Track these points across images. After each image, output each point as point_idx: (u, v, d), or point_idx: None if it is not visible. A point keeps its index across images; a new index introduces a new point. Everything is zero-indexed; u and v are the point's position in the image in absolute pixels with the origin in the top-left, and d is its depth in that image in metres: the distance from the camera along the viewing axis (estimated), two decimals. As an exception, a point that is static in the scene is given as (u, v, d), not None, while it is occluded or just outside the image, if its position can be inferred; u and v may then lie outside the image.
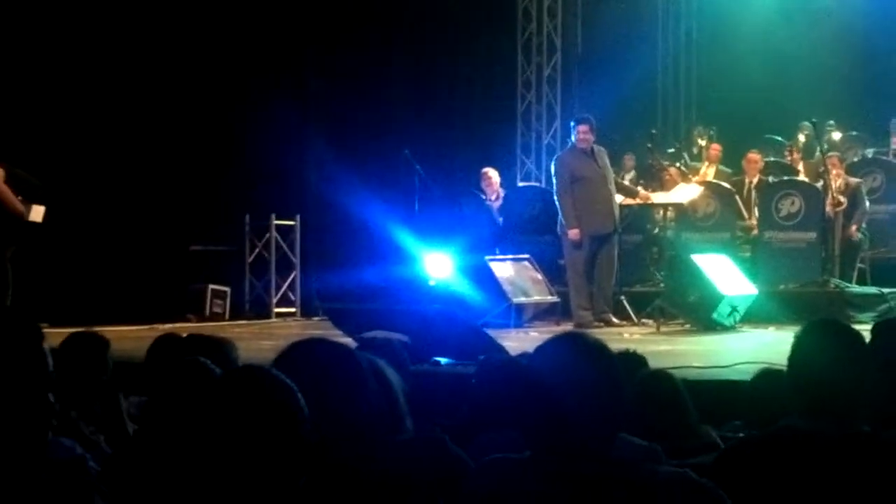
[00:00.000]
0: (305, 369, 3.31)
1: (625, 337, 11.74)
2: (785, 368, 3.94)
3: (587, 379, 3.25)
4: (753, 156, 15.36)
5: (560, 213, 13.28)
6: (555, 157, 13.98)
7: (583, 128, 13.30)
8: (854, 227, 14.27)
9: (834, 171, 14.26)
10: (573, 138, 13.42)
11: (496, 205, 15.69)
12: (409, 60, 17.66)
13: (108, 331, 11.24)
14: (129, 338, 9.74)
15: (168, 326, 12.31)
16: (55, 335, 6.01)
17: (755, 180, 15.10)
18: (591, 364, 3.28)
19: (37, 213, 12.56)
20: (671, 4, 20.51)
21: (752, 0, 18.70)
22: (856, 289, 13.84)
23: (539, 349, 3.35)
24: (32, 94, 14.22)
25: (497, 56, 18.78)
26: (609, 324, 13.04)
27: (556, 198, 13.40)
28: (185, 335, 5.82)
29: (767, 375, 5.07)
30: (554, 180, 13.47)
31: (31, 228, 12.57)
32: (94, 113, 14.69)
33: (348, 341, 7.06)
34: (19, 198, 12.45)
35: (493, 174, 15.97)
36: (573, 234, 13.13)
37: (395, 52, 17.58)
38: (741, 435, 4.66)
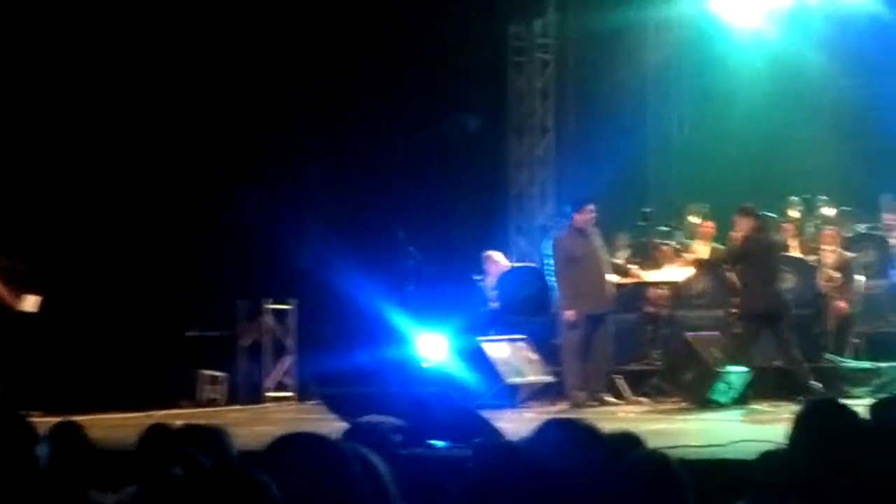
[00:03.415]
0: (291, 465, 3.37)
1: (619, 416, 11.68)
2: (783, 447, 3.92)
3: (580, 465, 3.23)
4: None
5: (557, 294, 13.29)
6: (550, 239, 13.94)
7: (591, 207, 13.38)
8: (843, 304, 14.27)
9: (829, 247, 14.28)
10: (575, 218, 13.39)
11: (490, 285, 15.66)
12: (401, 142, 17.71)
13: (102, 418, 11.27)
14: (124, 425, 9.68)
15: (162, 413, 12.26)
16: (47, 423, 6.00)
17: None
18: (583, 449, 3.26)
19: (31, 303, 12.52)
20: (661, 84, 20.61)
21: (742, 78, 18.78)
22: (850, 364, 13.82)
23: (534, 436, 3.34)
24: (23, 175, 14.23)
25: (489, 137, 18.84)
26: (604, 403, 13.00)
27: (552, 278, 13.39)
28: (178, 424, 5.77)
29: (768, 456, 5.03)
30: (550, 261, 13.47)
31: (23, 318, 12.53)
32: (85, 196, 14.71)
33: (344, 426, 7.02)
34: (11, 286, 12.41)
35: (496, 256, 15.94)
36: (569, 314, 13.13)
37: (389, 135, 17.64)
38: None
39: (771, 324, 12.98)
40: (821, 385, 12.53)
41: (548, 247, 13.73)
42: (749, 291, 13.25)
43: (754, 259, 13.21)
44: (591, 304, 13.16)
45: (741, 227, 13.46)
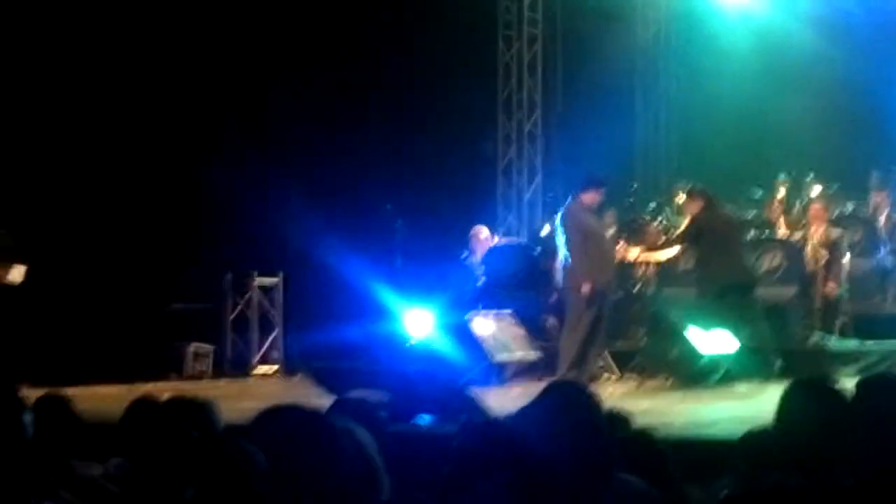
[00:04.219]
0: (278, 437, 3.39)
1: (606, 394, 11.69)
2: (769, 427, 3.93)
3: (570, 427, 3.25)
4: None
5: (571, 268, 13.14)
6: (565, 212, 13.45)
7: (604, 190, 13.31)
8: (832, 284, 14.29)
9: (814, 226, 14.28)
10: (586, 196, 13.26)
11: (478, 261, 15.65)
12: (389, 116, 17.70)
13: (88, 391, 11.26)
14: (110, 397, 9.68)
15: (149, 385, 12.25)
16: (34, 394, 5.99)
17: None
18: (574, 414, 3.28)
19: (16, 272, 12.46)
20: (650, 61, 20.61)
21: (730, 55, 18.78)
22: (837, 343, 13.84)
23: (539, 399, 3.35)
24: (7, 149, 14.19)
25: (478, 112, 18.82)
26: (596, 379, 13.02)
27: (565, 252, 13.16)
28: (164, 397, 5.77)
29: (753, 435, 5.05)
30: (566, 235, 13.19)
31: (9, 290, 12.48)
32: (71, 169, 14.69)
33: (330, 400, 7.02)
34: None
35: (482, 233, 15.87)
36: (587, 288, 12.97)
37: (376, 109, 17.62)
38: (726, 492, 4.63)
39: (739, 296, 13.01)
40: (779, 362, 12.55)
41: (562, 219, 13.43)
42: (708, 268, 13.29)
43: (708, 236, 13.25)
44: (604, 280, 13.11)
45: (690, 209, 13.54)
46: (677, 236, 14.06)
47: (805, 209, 15.41)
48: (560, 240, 13.26)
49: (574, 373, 12.91)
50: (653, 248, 14.66)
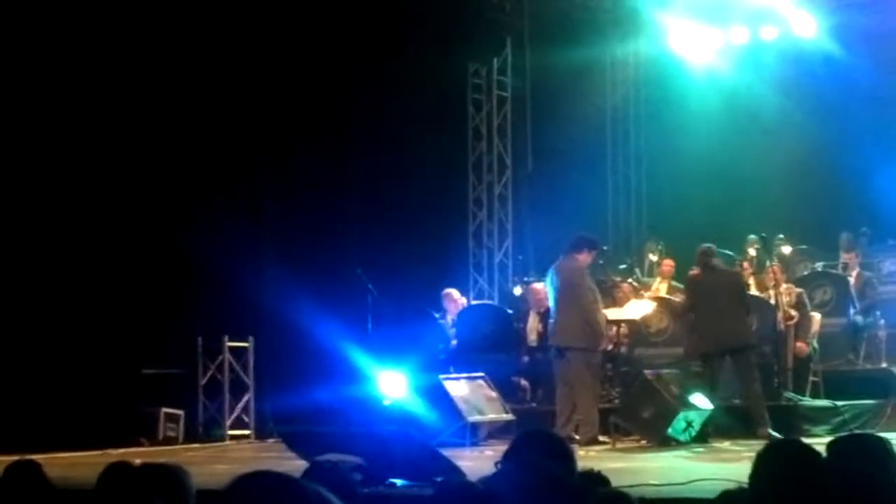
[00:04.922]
0: (250, 503, 3.33)
1: (579, 454, 11.66)
2: (743, 487, 3.94)
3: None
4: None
5: (577, 326, 13.10)
6: (566, 270, 13.42)
7: (595, 252, 13.57)
8: (801, 343, 14.35)
9: (783, 286, 14.36)
10: (583, 257, 13.36)
11: (450, 323, 15.67)
12: (361, 180, 17.72)
13: (60, 457, 11.19)
14: (82, 464, 9.62)
15: (121, 451, 12.19)
16: (4, 461, 5.96)
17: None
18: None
19: None
20: (619, 123, 20.75)
21: (699, 115, 18.93)
22: (809, 402, 13.89)
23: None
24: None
25: (448, 174, 18.89)
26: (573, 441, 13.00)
27: (583, 310, 13.12)
28: (137, 463, 5.73)
29: (729, 495, 5.05)
30: (571, 292, 13.21)
31: None
32: (43, 231, 14.63)
33: (302, 464, 6.99)
34: None
35: (455, 293, 15.96)
36: (606, 344, 13.35)
37: (348, 172, 17.64)
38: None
39: (732, 358, 13.08)
40: (770, 427, 12.55)
41: (563, 277, 13.41)
42: (699, 331, 13.40)
43: (700, 299, 13.36)
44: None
45: (691, 271, 13.84)
46: (681, 303, 14.26)
47: (770, 267, 15.51)
48: (565, 298, 13.26)
49: (592, 431, 12.85)
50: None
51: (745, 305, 13.45)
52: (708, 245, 13.68)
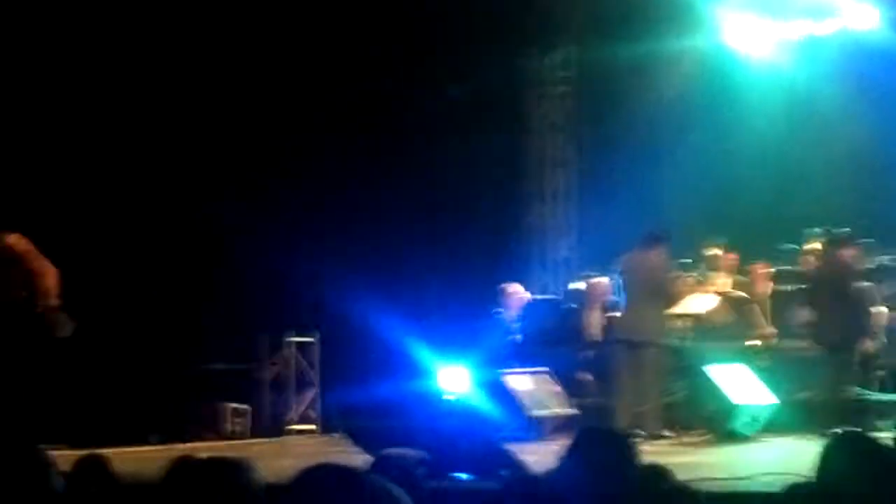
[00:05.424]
0: (318, 496, 3.39)
1: (644, 449, 11.62)
2: (811, 480, 3.92)
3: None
4: (755, 267, 15.52)
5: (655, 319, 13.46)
6: (661, 264, 13.94)
7: (669, 246, 13.96)
8: (868, 341, 14.18)
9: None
10: (651, 254, 13.59)
11: (512, 318, 15.65)
12: (423, 176, 17.72)
13: (127, 451, 11.29)
14: (148, 458, 9.69)
15: (187, 446, 12.27)
16: (73, 456, 6.02)
17: (765, 289, 15.16)
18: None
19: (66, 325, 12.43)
20: (676, 117, 20.62)
21: (757, 110, 18.77)
22: (876, 396, 13.77)
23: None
24: (41, 202, 14.28)
25: (509, 169, 18.87)
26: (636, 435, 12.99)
27: (666, 306, 13.67)
28: (202, 457, 5.77)
29: (797, 488, 5.03)
30: (667, 287, 13.78)
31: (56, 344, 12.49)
32: (108, 230, 14.76)
33: (366, 458, 7.03)
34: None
35: (516, 288, 15.92)
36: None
37: (410, 167, 17.65)
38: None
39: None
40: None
41: (629, 273, 13.79)
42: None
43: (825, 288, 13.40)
44: None
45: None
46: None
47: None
48: (646, 293, 13.44)
49: (657, 425, 12.90)
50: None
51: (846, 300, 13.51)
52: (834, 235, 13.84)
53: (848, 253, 13.88)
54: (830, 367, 13.60)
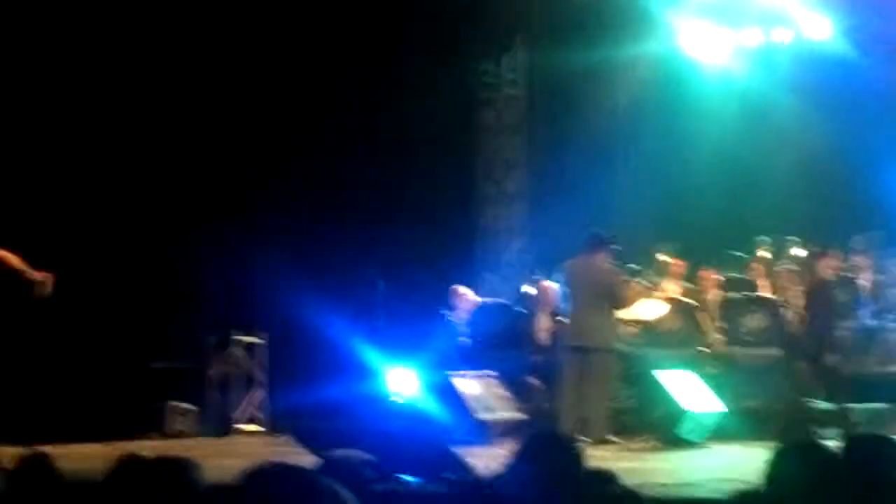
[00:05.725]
0: (264, 496, 3.34)
1: (589, 454, 11.62)
2: (759, 487, 3.91)
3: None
4: (704, 274, 15.57)
5: (606, 326, 13.48)
6: (608, 269, 13.93)
7: (613, 249, 13.88)
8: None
9: (789, 290, 14.34)
10: (596, 258, 13.61)
11: (462, 321, 15.63)
12: (372, 177, 17.70)
13: (69, 449, 11.18)
14: (92, 456, 9.59)
15: (130, 444, 12.17)
16: (14, 453, 5.94)
17: (714, 296, 15.21)
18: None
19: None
20: (630, 122, 20.65)
21: (711, 117, 18.83)
22: (822, 405, 13.84)
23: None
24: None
25: (458, 172, 18.86)
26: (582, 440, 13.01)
27: (614, 311, 13.66)
28: (146, 455, 5.71)
29: (744, 496, 5.02)
30: (615, 291, 13.72)
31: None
32: (52, 227, 14.63)
33: (313, 459, 6.97)
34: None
35: (465, 290, 15.93)
36: None
37: (358, 169, 17.61)
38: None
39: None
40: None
41: (589, 275, 13.69)
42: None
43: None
44: None
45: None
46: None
47: (782, 269, 15.50)
48: (593, 298, 13.41)
49: (603, 430, 12.90)
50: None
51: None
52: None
53: (825, 264, 13.95)
54: (783, 375, 13.68)
